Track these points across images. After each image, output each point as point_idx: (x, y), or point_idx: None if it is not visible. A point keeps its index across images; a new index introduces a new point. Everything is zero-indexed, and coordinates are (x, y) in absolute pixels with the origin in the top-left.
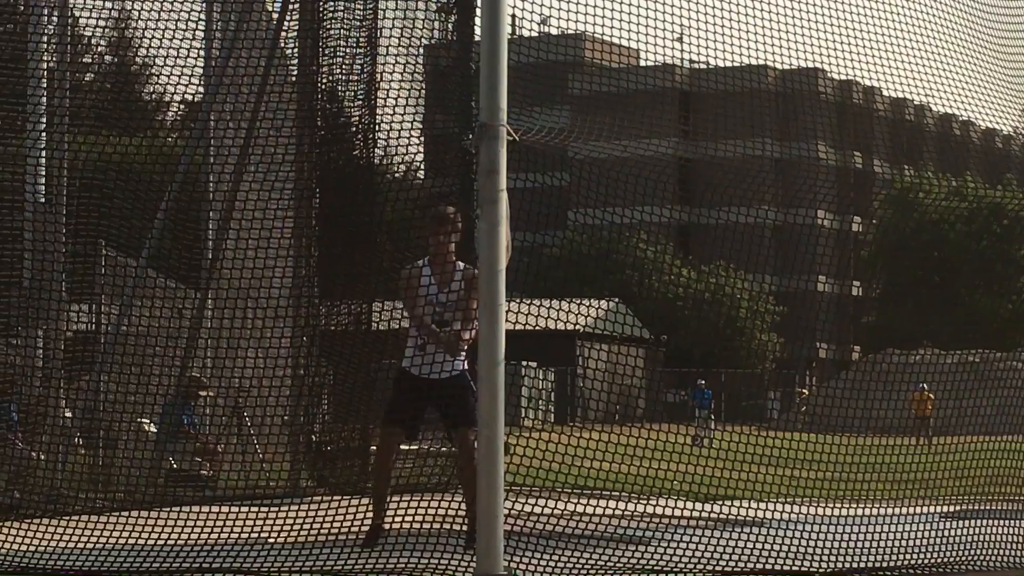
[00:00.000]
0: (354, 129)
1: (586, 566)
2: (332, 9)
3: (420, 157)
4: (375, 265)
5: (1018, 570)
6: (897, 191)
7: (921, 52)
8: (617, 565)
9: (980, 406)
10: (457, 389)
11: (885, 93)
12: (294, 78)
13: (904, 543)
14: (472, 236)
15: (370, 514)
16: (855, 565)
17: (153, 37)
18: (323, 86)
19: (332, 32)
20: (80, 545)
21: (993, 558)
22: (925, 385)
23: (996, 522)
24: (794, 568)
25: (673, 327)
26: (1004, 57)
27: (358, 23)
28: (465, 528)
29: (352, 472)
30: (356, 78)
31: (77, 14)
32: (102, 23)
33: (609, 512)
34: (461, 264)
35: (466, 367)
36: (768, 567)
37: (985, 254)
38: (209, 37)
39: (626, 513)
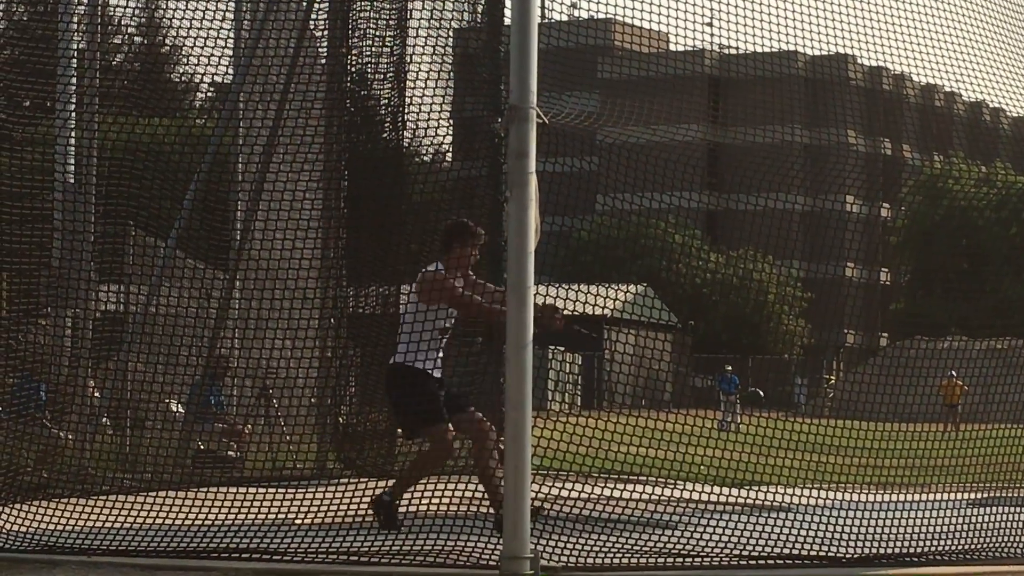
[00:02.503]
0: (383, 112)
1: (612, 549)
2: None
3: (449, 140)
4: (403, 248)
5: None
6: (926, 178)
7: (951, 39)
8: (643, 549)
9: (1008, 394)
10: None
11: (915, 79)
12: (323, 60)
13: (931, 530)
14: (500, 218)
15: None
16: (882, 551)
17: (183, 19)
18: (352, 68)
19: (362, 14)
20: (107, 525)
21: (1020, 545)
22: (954, 372)
23: (1023, 510)
24: (821, 553)
25: (701, 313)
26: None
27: (388, 5)
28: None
29: (379, 455)
30: (386, 61)
31: None
32: (132, 4)
33: (636, 496)
34: (472, 276)
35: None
36: (795, 552)
37: (1014, 241)
38: (238, 19)
39: (653, 497)
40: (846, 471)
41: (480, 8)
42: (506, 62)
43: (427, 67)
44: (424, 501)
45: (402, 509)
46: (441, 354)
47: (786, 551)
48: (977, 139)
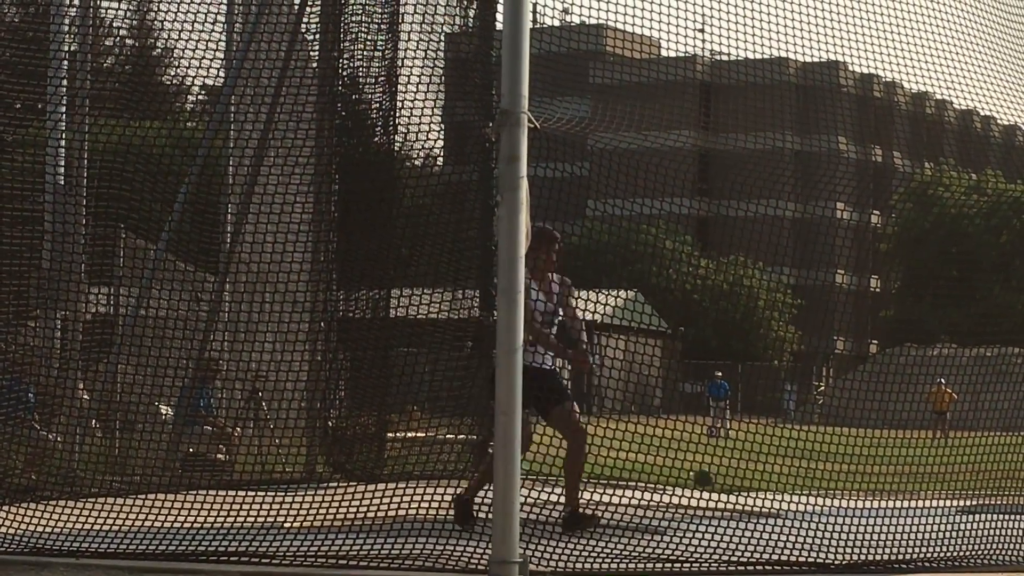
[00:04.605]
0: (374, 115)
1: (601, 554)
2: None
3: (440, 144)
4: (393, 252)
5: None
6: (917, 185)
7: (943, 47)
8: (632, 554)
9: (997, 401)
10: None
11: (906, 87)
12: (315, 64)
13: (920, 536)
14: (491, 223)
15: (390, 501)
16: (871, 558)
17: (174, 22)
18: (344, 72)
19: (354, 18)
20: (96, 527)
21: (1009, 553)
22: (943, 380)
23: (1012, 517)
24: (810, 560)
25: (691, 319)
26: None
27: (380, 9)
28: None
29: (368, 459)
30: (377, 64)
31: None
32: (124, 7)
33: (625, 501)
34: (555, 276)
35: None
36: (784, 558)
37: (1004, 249)
38: (230, 22)
39: (642, 503)
40: (835, 478)
41: (472, 12)
42: (498, 66)
43: (419, 71)
44: (413, 505)
45: (391, 513)
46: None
47: (775, 557)
48: (967, 146)
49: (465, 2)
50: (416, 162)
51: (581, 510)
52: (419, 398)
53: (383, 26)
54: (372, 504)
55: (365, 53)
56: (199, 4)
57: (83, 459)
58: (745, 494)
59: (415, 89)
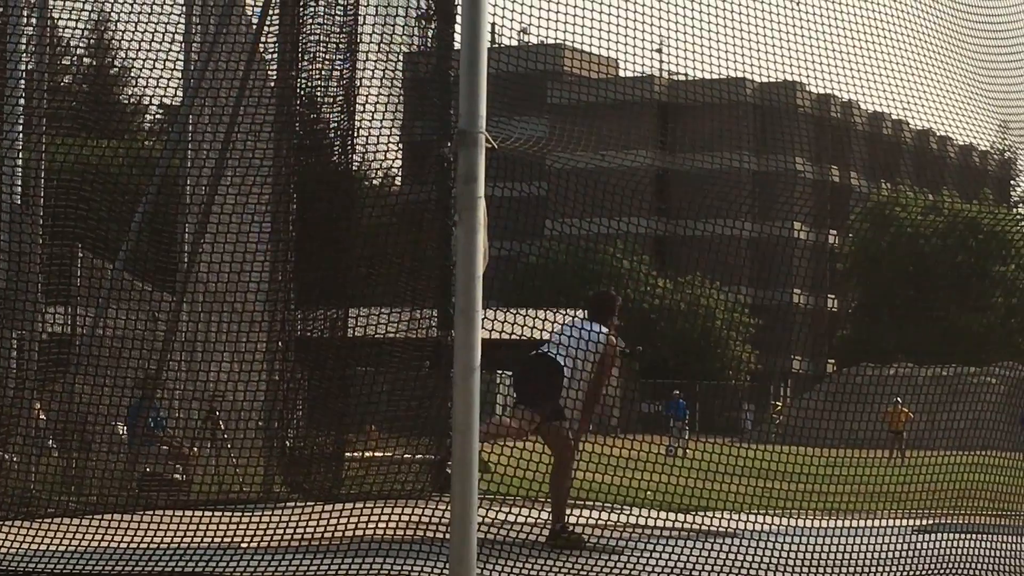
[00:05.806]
0: (332, 135)
1: (559, 574)
2: (312, 15)
3: (398, 164)
4: (352, 272)
5: None
6: (874, 205)
7: (900, 68)
8: (590, 574)
9: (954, 420)
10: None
11: (863, 107)
12: (273, 83)
13: (877, 555)
14: (449, 242)
15: (348, 521)
16: None
17: (132, 40)
18: (302, 91)
19: (312, 37)
20: (52, 548)
21: (965, 572)
22: (899, 399)
23: (968, 536)
24: None
25: (649, 338)
26: (982, 74)
27: (338, 30)
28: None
29: (326, 478)
30: (335, 84)
31: (56, 16)
32: (81, 26)
33: (582, 521)
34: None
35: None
36: None
37: (960, 269)
38: (188, 41)
39: (599, 522)
40: (793, 497)
41: (430, 32)
42: (456, 86)
43: (377, 91)
44: (371, 525)
45: (349, 533)
46: None
47: None
48: (924, 167)
49: (423, 22)
50: (374, 181)
51: (569, 529)
52: (377, 418)
53: (341, 45)
54: (330, 524)
55: (323, 72)
56: (157, 23)
57: (39, 479)
58: (703, 513)
59: (373, 108)
